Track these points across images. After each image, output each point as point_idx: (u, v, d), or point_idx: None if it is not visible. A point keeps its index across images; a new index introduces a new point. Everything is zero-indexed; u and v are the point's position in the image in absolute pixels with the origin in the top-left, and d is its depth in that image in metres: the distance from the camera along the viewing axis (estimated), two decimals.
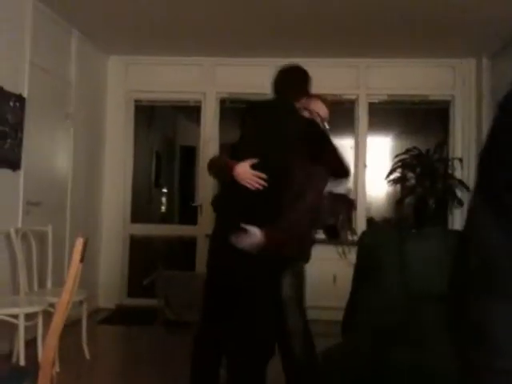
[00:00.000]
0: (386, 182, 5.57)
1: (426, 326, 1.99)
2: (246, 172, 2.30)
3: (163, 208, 8.59)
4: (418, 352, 1.92)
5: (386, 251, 2.35)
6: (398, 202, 5.56)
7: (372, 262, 2.43)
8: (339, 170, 2.69)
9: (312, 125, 2.63)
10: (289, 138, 2.40)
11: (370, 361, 2.05)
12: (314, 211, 2.61)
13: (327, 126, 2.79)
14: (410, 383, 1.88)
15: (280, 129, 2.39)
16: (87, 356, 3.84)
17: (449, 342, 1.92)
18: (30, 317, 3.33)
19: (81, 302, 3.85)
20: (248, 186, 2.31)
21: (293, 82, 2.72)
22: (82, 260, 1.81)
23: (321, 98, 2.82)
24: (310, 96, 2.76)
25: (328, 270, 5.22)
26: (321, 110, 2.76)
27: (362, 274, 2.51)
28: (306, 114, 2.72)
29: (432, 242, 2.30)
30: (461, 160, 5.35)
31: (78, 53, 5.04)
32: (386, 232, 2.74)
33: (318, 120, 2.73)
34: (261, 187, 2.29)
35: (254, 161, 2.30)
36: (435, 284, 2.10)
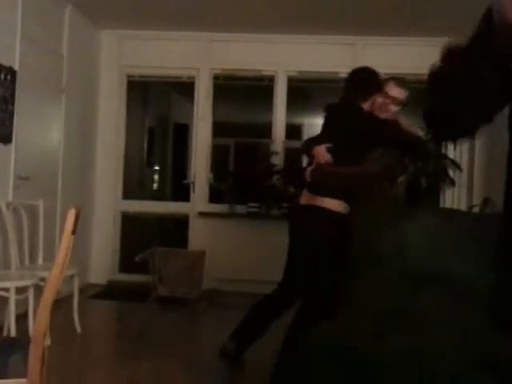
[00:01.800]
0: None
1: (426, 311, 2.00)
2: (319, 151, 2.94)
3: (155, 185, 8.57)
4: (417, 337, 1.94)
5: (382, 229, 2.35)
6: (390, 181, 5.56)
7: (367, 240, 2.43)
8: (408, 148, 3.11)
9: (368, 120, 2.98)
10: (350, 134, 2.92)
11: (369, 345, 2.05)
12: (366, 180, 2.94)
13: (401, 108, 3.05)
14: (410, 368, 1.89)
15: (344, 126, 2.97)
16: (78, 330, 3.86)
17: (447, 327, 1.94)
18: (20, 291, 3.34)
19: (72, 277, 3.85)
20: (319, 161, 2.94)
21: (359, 83, 3.08)
22: (74, 232, 1.79)
23: (395, 80, 3.08)
24: (386, 80, 3.07)
25: None
26: (396, 93, 3.02)
27: (357, 252, 2.51)
28: (373, 105, 3.02)
29: (428, 223, 2.30)
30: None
31: (71, 26, 4.96)
32: (380, 208, 2.73)
33: (392, 106, 3.01)
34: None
35: (329, 145, 2.93)
36: (434, 264, 2.12)
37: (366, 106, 3.01)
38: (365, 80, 3.06)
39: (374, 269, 2.34)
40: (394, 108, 3.03)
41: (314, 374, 2.19)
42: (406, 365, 1.92)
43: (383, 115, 3.00)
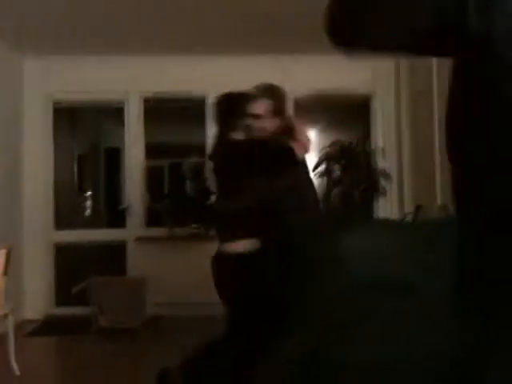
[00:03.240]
0: (312, 175, 5.68)
1: (376, 318, 2.04)
2: None
3: (88, 212, 8.33)
4: (371, 347, 1.97)
5: (321, 247, 2.39)
6: (325, 194, 5.69)
7: (308, 256, 2.46)
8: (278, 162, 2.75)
9: (226, 152, 2.78)
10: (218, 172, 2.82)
11: (322, 362, 2.06)
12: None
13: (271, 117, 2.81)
14: (368, 379, 1.92)
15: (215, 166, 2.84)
16: (17, 372, 3.66)
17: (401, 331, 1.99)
18: None
19: (5, 316, 3.66)
20: None
21: (221, 116, 2.84)
22: (6, 273, 1.72)
23: (254, 95, 2.84)
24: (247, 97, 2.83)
25: None
26: (256, 109, 2.78)
27: (299, 269, 2.54)
28: (247, 129, 2.78)
29: (367, 233, 2.36)
30: (383, 150, 5.57)
31: None
32: (321, 221, 2.78)
33: (261, 122, 2.77)
34: None
35: None
36: (377, 273, 2.16)
37: (238, 135, 2.75)
38: (224, 112, 2.80)
39: (315, 282, 2.37)
40: (263, 124, 2.76)
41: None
42: (365, 374, 1.94)
43: (261, 135, 2.76)
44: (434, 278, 1.91)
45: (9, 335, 3.71)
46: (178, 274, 5.38)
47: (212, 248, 5.27)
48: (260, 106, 2.76)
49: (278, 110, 2.79)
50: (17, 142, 5.43)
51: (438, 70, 4.45)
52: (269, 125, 2.77)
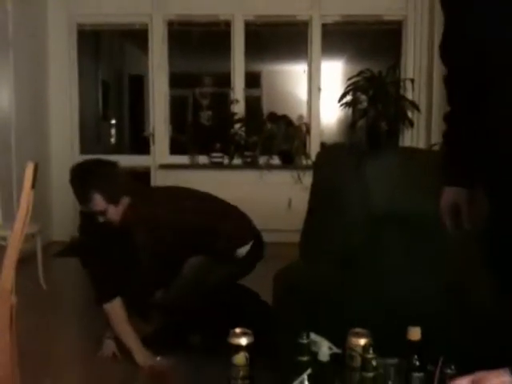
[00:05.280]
0: (337, 107, 5.58)
1: (389, 250, 2.03)
2: None
3: (113, 140, 8.38)
4: (379, 276, 1.98)
5: (344, 171, 2.35)
6: (350, 125, 5.60)
7: (330, 183, 2.43)
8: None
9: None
10: None
11: (331, 286, 2.08)
12: None
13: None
14: (373, 309, 1.93)
15: None
16: (44, 287, 3.81)
17: (409, 266, 1.99)
18: None
19: (34, 236, 3.77)
20: None
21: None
22: (33, 186, 1.74)
23: None
24: None
25: (283, 194, 5.29)
26: None
27: (320, 196, 2.52)
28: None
29: (390, 161, 2.31)
30: (412, 81, 5.39)
31: None
32: (343, 151, 2.73)
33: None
34: None
35: None
36: (396, 204, 2.14)
37: (117, 210, 2.61)
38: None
39: (337, 210, 2.36)
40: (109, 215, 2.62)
41: (281, 313, 2.23)
42: (367, 303, 1.96)
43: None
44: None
45: (37, 254, 3.84)
46: None
47: (233, 176, 5.34)
48: (96, 204, 2.61)
49: (112, 196, 2.61)
50: (42, 67, 5.41)
51: None
52: (114, 213, 2.62)
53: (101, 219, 2.63)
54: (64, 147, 5.60)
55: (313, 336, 1.52)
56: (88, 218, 2.69)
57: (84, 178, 2.64)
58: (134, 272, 2.57)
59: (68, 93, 5.60)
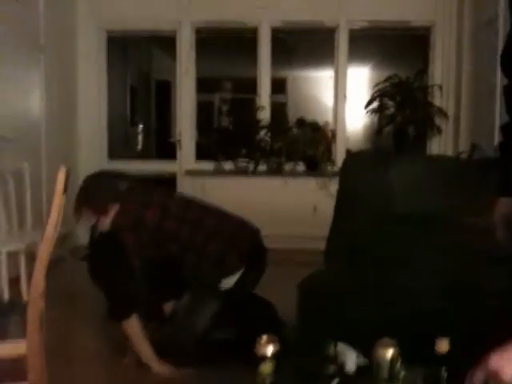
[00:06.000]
0: (363, 113, 5.55)
1: (412, 246, 2.02)
2: None
3: (139, 146, 8.47)
4: (402, 272, 1.96)
5: (371, 177, 2.35)
6: (377, 131, 5.56)
7: (356, 189, 2.43)
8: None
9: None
10: None
11: (356, 293, 2.07)
12: None
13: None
14: (400, 316, 1.92)
15: None
16: (72, 291, 3.86)
17: (433, 261, 1.98)
18: (11, 256, 3.31)
19: (63, 238, 3.83)
20: None
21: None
22: (65, 190, 1.77)
23: None
24: None
25: (308, 201, 5.27)
26: None
27: (346, 201, 2.51)
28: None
29: (416, 167, 2.31)
30: (440, 87, 5.33)
31: None
32: (370, 156, 2.72)
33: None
34: None
35: None
36: (420, 206, 2.13)
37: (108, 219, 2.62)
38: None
39: (361, 210, 2.35)
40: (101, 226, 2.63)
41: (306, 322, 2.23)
42: (393, 310, 1.95)
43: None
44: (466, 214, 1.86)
45: (66, 258, 3.90)
46: (225, 206, 5.44)
47: (258, 182, 5.34)
48: (87, 218, 2.65)
49: (98, 206, 2.62)
50: (72, 73, 5.50)
51: (505, 2, 4.15)
52: (105, 222, 2.62)
53: (98, 232, 2.63)
54: (92, 152, 5.68)
55: (339, 345, 1.52)
56: (94, 232, 2.70)
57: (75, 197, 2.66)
58: (140, 283, 2.58)
59: (97, 98, 5.68)
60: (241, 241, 2.75)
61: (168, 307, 2.75)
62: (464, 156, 4.30)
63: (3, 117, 4.07)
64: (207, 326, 2.61)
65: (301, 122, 5.75)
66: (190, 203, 2.87)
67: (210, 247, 2.64)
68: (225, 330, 2.63)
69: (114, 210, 2.60)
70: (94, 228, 2.65)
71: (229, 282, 2.65)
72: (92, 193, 2.66)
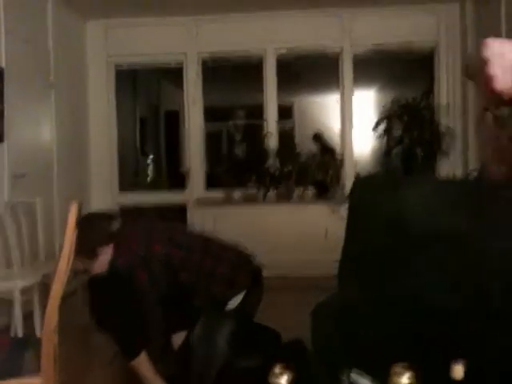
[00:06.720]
0: (371, 137, 5.57)
1: (425, 262, 2.01)
2: None
3: (149, 177, 8.51)
4: (417, 286, 1.95)
5: (380, 198, 2.34)
6: (385, 153, 5.56)
7: (366, 210, 2.42)
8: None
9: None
10: None
11: (371, 318, 2.06)
12: None
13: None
14: (415, 341, 1.90)
15: None
16: (85, 325, 3.85)
17: (447, 283, 1.96)
18: (25, 291, 3.32)
19: (75, 272, 3.83)
20: None
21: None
22: (77, 224, 1.78)
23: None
24: None
25: (319, 226, 5.25)
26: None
27: (355, 222, 2.50)
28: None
29: (425, 188, 2.30)
30: (447, 106, 5.35)
31: (55, 19, 4.88)
32: (380, 178, 2.71)
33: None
34: None
35: None
36: (431, 226, 2.11)
37: (100, 262, 2.63)
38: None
39: (371, 233, 2.34)
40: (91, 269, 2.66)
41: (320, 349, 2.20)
42: (408, 335, 1.93)
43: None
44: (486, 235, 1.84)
45: (78, 291, 3.91)
46: (236, 235, 5.43)
47: (268, 210, 5.34)
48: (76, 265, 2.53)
49: (85, 252, 2.53)
50: (82, 106, 5.60)
51: (507, 19, 4.19)
52: (96, 266, 2.64)
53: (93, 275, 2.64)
54: (104, 185, 5.74)
55: (354, 373, 1.50)
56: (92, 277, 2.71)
57: None
58: (147, 320, 2.57)
59: (107, 130, 5.77)
60: (243, 263, 2.80)
61: (177, 338, 2.73)
62: (473, 174, 4.28)
63: (16, 152, 4.14)
64: (225, 348, 2.58)
65: (318, 137, 5.78)
66: (191, 232, 2.94)
67: (218, 270, 2.66)
68: (246, 357, 2.62)
69: (106, 252, 2.59)
70: (89, 273, 2.66)
71: (234, 303, 2.67)
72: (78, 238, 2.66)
